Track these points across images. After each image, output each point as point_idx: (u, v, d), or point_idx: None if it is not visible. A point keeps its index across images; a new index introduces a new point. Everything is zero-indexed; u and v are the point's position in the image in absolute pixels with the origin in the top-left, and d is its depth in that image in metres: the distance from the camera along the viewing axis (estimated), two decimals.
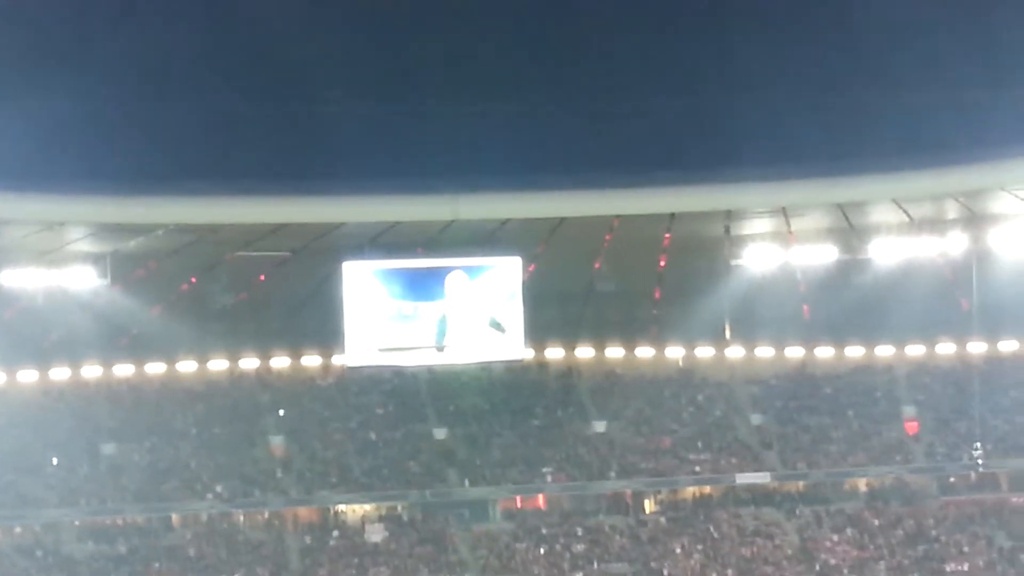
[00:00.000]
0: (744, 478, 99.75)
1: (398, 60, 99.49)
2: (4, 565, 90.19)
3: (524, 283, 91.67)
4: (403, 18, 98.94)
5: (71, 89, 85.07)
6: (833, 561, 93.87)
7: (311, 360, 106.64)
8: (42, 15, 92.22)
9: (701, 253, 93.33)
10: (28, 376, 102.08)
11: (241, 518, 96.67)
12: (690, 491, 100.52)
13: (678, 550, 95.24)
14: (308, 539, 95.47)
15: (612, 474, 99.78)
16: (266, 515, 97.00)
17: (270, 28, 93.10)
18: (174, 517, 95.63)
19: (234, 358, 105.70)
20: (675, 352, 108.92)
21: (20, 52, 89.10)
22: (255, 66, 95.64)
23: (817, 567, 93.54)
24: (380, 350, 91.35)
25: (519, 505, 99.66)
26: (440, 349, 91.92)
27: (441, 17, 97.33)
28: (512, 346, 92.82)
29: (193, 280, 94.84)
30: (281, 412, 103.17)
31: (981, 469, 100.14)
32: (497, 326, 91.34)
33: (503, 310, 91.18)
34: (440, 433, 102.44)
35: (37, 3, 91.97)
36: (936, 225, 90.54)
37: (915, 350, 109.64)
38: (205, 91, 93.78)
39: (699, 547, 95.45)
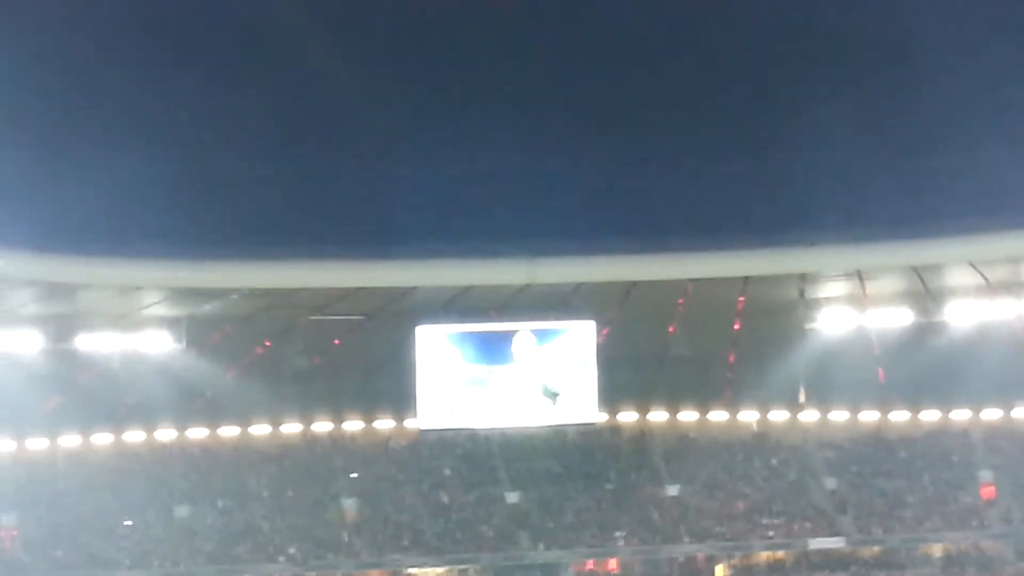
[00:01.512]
0: (818, 543, 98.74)
1: (474, 126, 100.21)
2: None
3: (598, 347, 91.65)
4: (479, 82, 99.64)
5: (146, 154, 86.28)
6: None
7: (384, 423, 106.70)
8: (116, 79, 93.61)
9: (775, 317, 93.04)
10: (103, 439, 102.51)
11: None
12: (763, 556, 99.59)
13: None
14: None
15: (685, 538, 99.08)
16: None
17: (345, 94, 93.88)
18: None
19: (307, 421, 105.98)
20: (749, 416, 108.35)
21: (96, 118, 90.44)
22: (331, 131, 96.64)
23: None
24: (453, 414, 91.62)
25: (591, 568, 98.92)
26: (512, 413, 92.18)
27: (518, 82, 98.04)
28: (585, 410, 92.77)
29: (267, 344, 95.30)
30: (354, 475, 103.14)
31: None
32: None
33: (575, 374, 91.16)
34: (512, 496, 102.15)
35: (113, 69, 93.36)
36: (1013, 288, 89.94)
37: (991, 414, 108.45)
38: (280, 157, 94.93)
39: None
